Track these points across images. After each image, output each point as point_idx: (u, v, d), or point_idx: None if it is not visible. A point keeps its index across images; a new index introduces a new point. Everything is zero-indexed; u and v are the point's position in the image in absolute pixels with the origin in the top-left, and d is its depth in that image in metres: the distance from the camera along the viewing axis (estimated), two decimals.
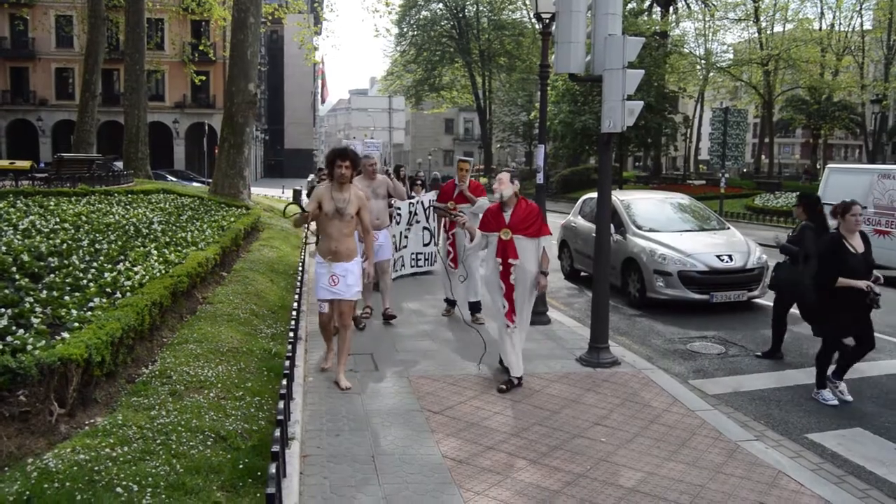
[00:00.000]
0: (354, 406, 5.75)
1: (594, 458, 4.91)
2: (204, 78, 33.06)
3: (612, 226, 8.78)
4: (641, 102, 7.02)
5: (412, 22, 53.00)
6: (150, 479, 3.72)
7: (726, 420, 5.78)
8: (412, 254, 11.16)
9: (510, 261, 6.21)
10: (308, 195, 16.33)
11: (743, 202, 30.71)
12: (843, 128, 50.14)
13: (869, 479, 4.91)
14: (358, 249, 6.37)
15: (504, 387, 6.29)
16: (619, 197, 11.80)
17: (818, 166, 46.57)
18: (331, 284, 6.07)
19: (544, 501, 4.25)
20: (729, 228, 11.77)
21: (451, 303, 9.17)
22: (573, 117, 35.29)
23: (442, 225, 10.28)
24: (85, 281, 6.55)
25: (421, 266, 11.40)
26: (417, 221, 10.79)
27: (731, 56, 49.50)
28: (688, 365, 7.60)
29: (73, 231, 9.08)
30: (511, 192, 6.27)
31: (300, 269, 9.62)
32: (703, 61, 46.97)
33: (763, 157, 52.22)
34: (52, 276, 6.55)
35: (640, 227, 11.03)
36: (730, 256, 10.22)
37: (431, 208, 10.46)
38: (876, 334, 9.04)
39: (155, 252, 8.30)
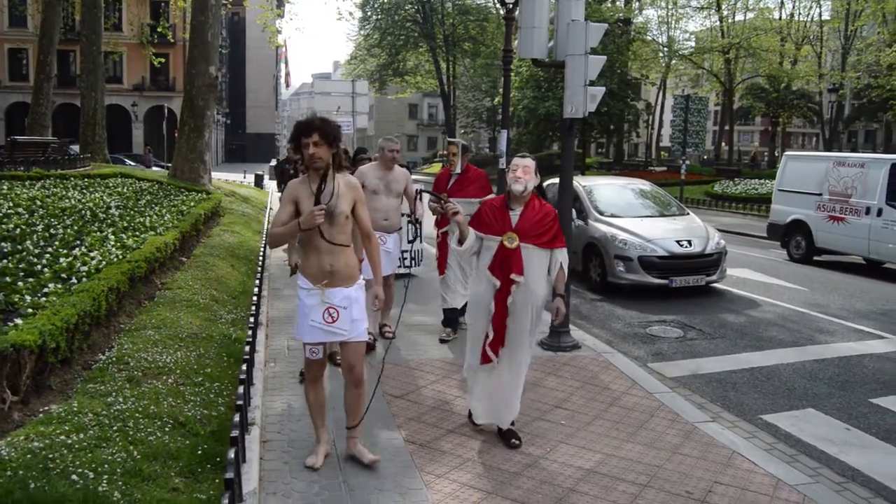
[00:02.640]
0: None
1: (554, 441, 4.96)
2: (163, 60, 32.50)
3: (573, 211, 8.84)
4: (603, 88, 7.06)
5: (376, 5, 52.50)
6: (106, 465, 3.67)
7: (683, 402, 5.88)
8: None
9: (512, 276, 4.68)
10: (278, 182, 15.66)
11: (703, 189, 31.13)
12: (801, 116, 51.07)
13: (820, 458, 5.04)
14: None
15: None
16: (581, 182, 11.88)
17: (776, 154, 47.33)
18: (325, 321, 4.14)
19: (504, 483, 4.29)
20: (689, 214, 11.94)
21: (449, 321, 7.54)
22: (537, 103, 35.35)
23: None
24: (39, 266, 6.43)
25: (408, 266, 9.54)
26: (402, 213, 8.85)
27: (693, 44, 50.01)
28: (647, 348, 7.71)
29: (26, 216, 8.89)
30: (533, 186, 4.81)
31: (261, 253, 9.52)
32: (665, 49, 47.38)
33: (723, 144, 52.97)
34: (4, 261, 6.42)
35: (601, 213, 11.12)
36: (689, 242, 10.37)
37: (419, 195, 7.56)
38: (830, 318, 9.32)
39: (112, 237, 8.16)
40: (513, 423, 5.02)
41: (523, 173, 4.75)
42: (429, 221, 7.28)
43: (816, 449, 5.20)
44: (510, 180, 4.78)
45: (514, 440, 4.87)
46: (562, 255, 4.86)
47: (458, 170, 7.40)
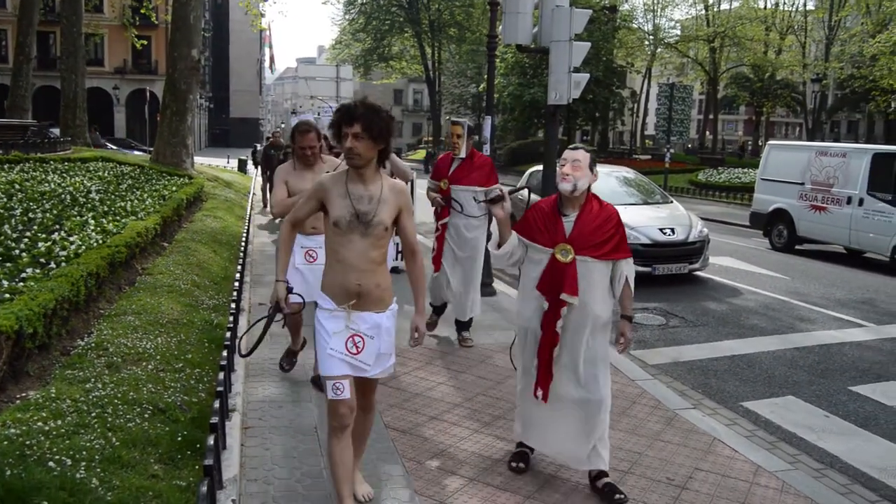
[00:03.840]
0: (298, 378, 5.70)
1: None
2: (145, 43, 31.96)
3: None
4: (587, 75, 7.05)
5: None
6: (84, 452, 3.63)
7: (665, 389, 5.91)
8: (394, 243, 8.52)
9: (563, 296, 3.88)
10: (263, 169, 15.26)
11: (687, 177, 31.27)
12: (784, 106, 51.30)
13: (799, 445, 5.09)
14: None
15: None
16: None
17: (760, 143, 47.60)
18: (349, 351, 3.39)
19: (486, 470, 4.29)
20: (672, 202, 11.98)
21: (437, 310, 7.06)
22: (522, 90, 35.32)
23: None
24: (17, 251, 6.33)
25: (395, 260, 9.26)
26: None
27: (679, 32, 50.05)
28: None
29: (5, 199, 8.76)
30: (587, 184, 3.93)
31: (244, 239, 9.45)
32: (651, 37, 47.42)
33: (707, 133, 53.13)
34: None
35: None
36: (672, 230, 10.41)
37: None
38: (810, 306, 9.39)
39: (92, 222, 8.06)
40: (606, 474, 4.10)
41: (572, 169, 3.88)
42: (427, 211, 6.98)
43: (796, 436, 5.24)
44: (557, 178, 3.96)
45: (617, 496, 3.94)
46: (627, 268, 3.99)
47: (463, 154, 6.57)
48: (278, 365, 5.83)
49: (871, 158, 12.83)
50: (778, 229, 14.72)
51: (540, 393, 4.04)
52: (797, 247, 14.28)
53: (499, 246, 4.11)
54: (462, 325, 6.86)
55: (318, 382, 5.05)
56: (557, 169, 3.97)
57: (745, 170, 29.28)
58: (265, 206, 16.70)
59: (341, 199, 3.35)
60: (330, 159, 5.55)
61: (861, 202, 12.77)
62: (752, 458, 4.65)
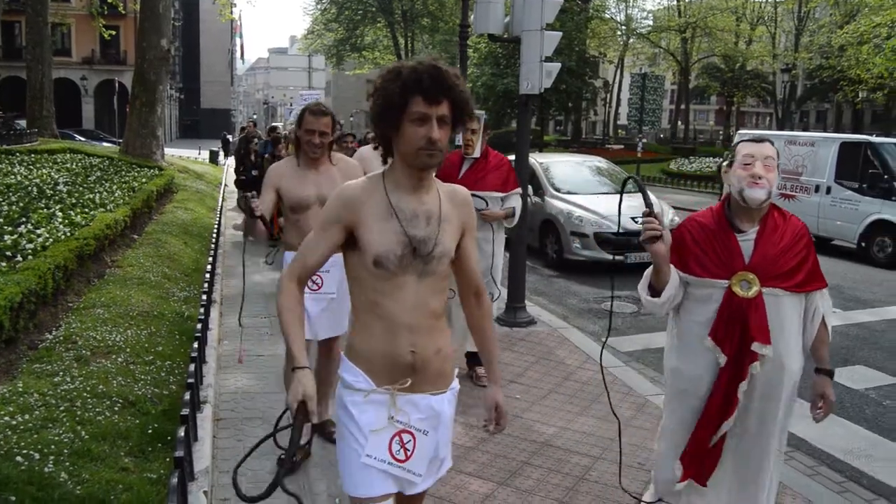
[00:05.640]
0: (269, 369, 5.68)
1: (509, 415, 4.98)
2: (114, 33, 31.54)
3: (529, 187, 8.86)
4: (559, 64, 7.05)
5: None
6: (52, 446, 3.60)
7: (636, 376, 5.97)
8: None
9: (754, 347, 2.82)
10: (237, 165, 14.57)
11: (659, 166, 31.53)
12: (755, 96, 51.89)
13: (790, 440, 5.15)
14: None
15: None
16: (537, 159, 11.92)
17: (731, 132, 48.09)
18: (395, 457, 2.23)
19: (460, 457, 4.31)
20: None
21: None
22: (495, 80, 35.32)
23: None
24: None
25: None
26: None
27: (651, 23, 50.38)
28: (602, 323, 7.80)
29: None
30: (765, 193, 2.86)
31: (215, 230, 9.38)
32: (623, 27, 47.65)
33: (679, 122, 53.59)
34: None
35: (557, 190, 11.18)
36: None
37: None
38: None
39: (60, 214, 7.95)
40: None
41: (765, 169, 2.84)
42: None
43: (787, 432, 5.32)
44: (738, 181, 2.87)
45: None
46: (824, 302, 2.97)
47: (477, 153, 5.53)
48: (277, 460, 4.03)
49: (839, 147, 13.03)
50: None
51: (689, 476, 3.02)
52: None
53: (655, 290, 2.96)
54: (477, 359, 5.52)
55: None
56: (737, 170, 2.89)
57: (717, 159, 29.59)
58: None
59: (383, 223, 2.18)
60: (343, 158, 4.27)
61: (829, 190, 12.97)
62: None
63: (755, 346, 2.82)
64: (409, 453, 2.24)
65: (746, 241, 2.90)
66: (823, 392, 3.01)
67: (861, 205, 12.34)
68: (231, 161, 22.38)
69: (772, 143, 2.95)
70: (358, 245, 2.22)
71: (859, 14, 34.08)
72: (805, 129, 52.14)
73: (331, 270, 3.91)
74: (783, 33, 47.69)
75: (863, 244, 12.40)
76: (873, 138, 13.66)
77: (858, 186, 12.52)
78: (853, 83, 33.83)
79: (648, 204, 2.77)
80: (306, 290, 3.67)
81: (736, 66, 45.74)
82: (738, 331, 2.84)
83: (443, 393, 2.31)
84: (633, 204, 12.13)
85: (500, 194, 5.56)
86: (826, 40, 38.66)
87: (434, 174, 2.29)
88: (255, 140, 13.46)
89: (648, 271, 2.98)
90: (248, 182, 12.48)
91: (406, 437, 2.23)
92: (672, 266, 2.90)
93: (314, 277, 3.76)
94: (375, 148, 2.27)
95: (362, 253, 2.21)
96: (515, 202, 5.69)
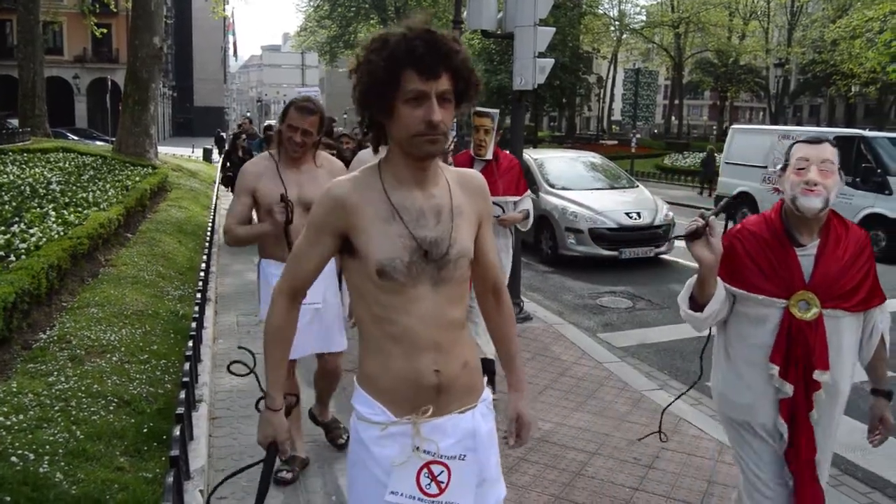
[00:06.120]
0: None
1: (505, 412, 5.00)
2: (105, 31, 31.45)
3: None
4: (552, 60, 7.06)
5: None
6: (47, 446, 3.58)
7: (632, 371, 5.98)
8: None
9: (817, 376, 2.54)
10: (226, 157, 14.43)
11: (653, 162, 31.59)
12: (748, 90, 51.98)
13: None
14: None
15: None
16: (532, 155, 11.92)
17: (724, 127, 48.20)
18: (425, 493, 1.86)
19: None
20: (638, 187, 12.10)
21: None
22: (489, 76, 35.29)
23: None
24: None
25: None
26: None
27: (644, 18, 50.40)
28: (597, 319, 7.81)
29: None
30: (821, 202, 2.48)
31: (209, 229, 9.36)
32: (616, 22, 47.66)
33: (673, 118, 53.65)
34: None
35: (552, 186, 11.19)
36: (638, 214, 10.51)
37: None
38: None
39: (53, 213, 7.91)
40: None
41: (821, 175, 2.50)
42: None
43: None
44: (791, 188, 2.55)
45: None
46: (883, 318, 2.68)
47: (489, 155, 5.17)
48: (273, 477, 3.40)
49: (791, 146, 13.04)
50: (742, 212, 14.92)
51: None
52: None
53: (697, 304, 2.61)
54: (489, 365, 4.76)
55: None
56: (790, 175, 2.57)
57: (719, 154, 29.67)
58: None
59: (384, 226, 1.85)
60: (328, 158, 3.91)
61: None
62: (718, 437, 4.72)
63: (818, 374, 2.53)
64: (443, 486, 1.88)
65: (806, 255, 2.56)
66: (882, 415, 2.75)
67: (854, 199, 12.37)
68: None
69: (832, 144, 2.58)
70: (358, 254, 1.87)
71: (851, 8, 34.17)
72: (798, 124, 52.29)
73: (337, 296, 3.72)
74: (776, 28, 47.79)
75: None
76: (866, 132, 13.70)
77: (852, 181, 12.54)
78: (846, 77, 33.96)
79: (722, 209, 2.54)
80: None
81: (729, 61, 45.82)
82: (800, 357, 2.54)
83: (474, 407, 1.99)
84: (627, 199, 12.19)
85: (516, 198, 5.25)
86: (819, 35, 38.77)
87: (438, 160, 1.95)
88: (243, 136, 13.31)
89: (691, 282, 2.66)
90: (235, 181, 12.32)
91: (437, 468, 1.87)
92: (718, 279, 2.57)
93: None
94: (376, 150, 1.99)
95: (364, 262, 1.85)
96: (528, 204, 5.44)
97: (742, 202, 14.82)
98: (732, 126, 17.79)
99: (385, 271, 1.82)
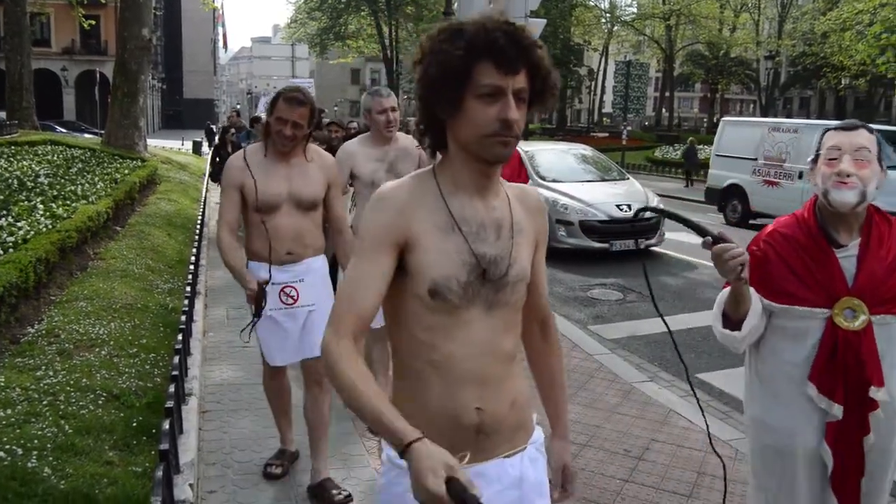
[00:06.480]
0: (257, 361, 5.65)
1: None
2: (94, 22, 31.12)
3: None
4: None
5: None
6: (36, 441, 3.56)
7: (622, 363, 6.00)
8: None
9: (871, 392, 2.23)
10: (215, 151, 14.14)
11: (644, 154, 31.61)
12: (738, 83, 52.18)
13: None
14: None
15: None
16: (522, 147, 11.90)
17: (715, 120, 48.33)
18: None
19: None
20: (629, 179, 12.11)
21: None
22: None
23: None
24: None
25: None
26: None
27: (635, 10, 50.41)
28: (588, 311, 7.83)
29: None
30: (875, 188, 2.26)
31: (199, 221, 9.32)
32: (607, 15, 47.66)
33: (664, 110, 53.73)
34: None
35: (543, 178, 11.18)
36: (629, 206, 10.52)
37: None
38: None
39: (41, 206, 7.86)
40: None
41: (855, 165, 2.24)
42: None
43: None
44: (822, 180, 2.30)
45: None
46: None
47: None
48: (263, 472, 3.87)
49: (822, 134, 13.11)
50: (732, 204, 14.98)
51: None
52: (751, 221, 14.55)
53: (731, 321, 2.34)
54: None
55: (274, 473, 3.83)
56: (821, 167, 2.32)
57: (701, 146, 29.72)
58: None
59: (442, 238, 1.63)
60: (318, 151, 3.68)
61: None
62: (706, 429, 4.74)
63: (872, 392, 2.20)
64: None
65: (847, 257, 2.27)
66: None
67: None
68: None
69: (869, 131, 2.29)
70: (407, 269, 1.62)
71: (842, 1, 34.24)
72: (788, 116, 52.47)
73: (305, 279, 3.52)
74: (767, 20, 47.88)
75: None
76: None
77: None
78: (836, 70, 34.04)
79: (706, 233, 2.11)
80: (280, 305, 3.49)
81: (720, 54, 45.93)
82: (848, 373, 2.22)
83: (523, 450, 1.78)
84: (617, 191, 12.22)
85: None
86: (809, 27, 38.86)
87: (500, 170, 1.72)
88: (232, 131, 13.20)
89: (721, 298, 2.36)
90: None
91: None
92: (756, 289, 2.28)
93: (287, 289, 3.50)
94: (433, 155, 1.77)
95: (413, 279, 1.62)
96: None
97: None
98: (723, 118, 17.84)
99: (439, 291, 1.59)
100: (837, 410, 2.23)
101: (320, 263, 3.65)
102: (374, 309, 1.59)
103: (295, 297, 3.53)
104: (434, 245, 1.61)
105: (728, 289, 2.28)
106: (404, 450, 1.40)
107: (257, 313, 3.39)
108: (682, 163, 27.66)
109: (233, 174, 3.44)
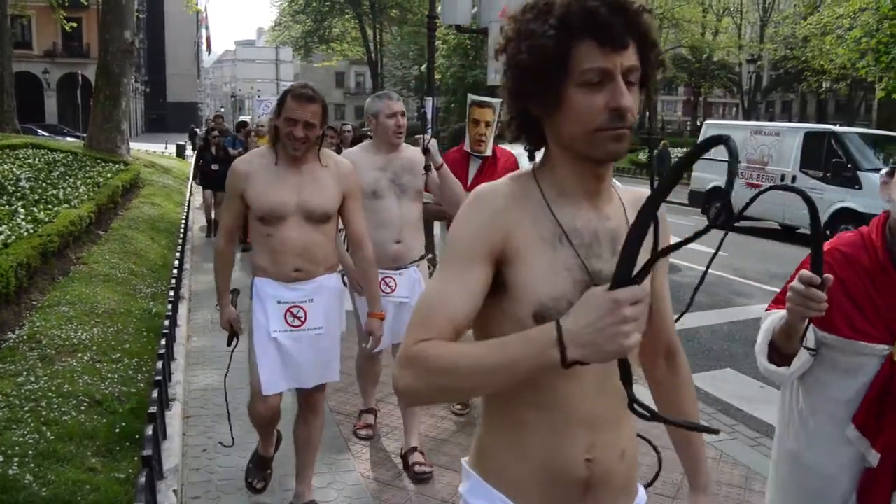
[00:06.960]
0: (242, 365, 5.62)
1: (480, 407, 5.00)
2: (76, 25, 30.83)
3: None
4: None
5: None
6: (17, 448, 3.53)
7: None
8: None
9: None
10: (199, 154, 13.98)
11: (628, 157, 31.76)
12: (721, 86, 52.47)
13: (736, 415, 5.24)
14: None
15: None
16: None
17: (698, 123, 48.65)
18: None
19: (432, 450, 4.31)
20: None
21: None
22: (464, 71, 35.35)
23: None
24: None
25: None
26: None
27: None
28: None
29: None
30: None
31: (182, 226, 9.27)
32: None
33: (647, 113, 54.01)
34: None
35: None
36: None
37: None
38: (747, 281, 9.65)
39: (22, 210, 7.79)
40: None
41: None
42: None
43: (733, 406, 5.40)
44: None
45: None
46: None
47: (489, 151, 4.59)
48: (245, 483, 3.71)
49: (804, 137, 13.24)
50: (716, 207, 15.07)
51: None
52: (734, 224, 14.65)
53: (779, 354, 2.03)
54: None
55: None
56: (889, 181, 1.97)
57: (684, 149, 29.92)
58: (209, 231, 11.68)
59: (548, 252, 1.35)
60: (333, 157, 3.32)
61: (794, 179, 13.17)
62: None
63: None
64: None
65: None
66: None
67: (826, 193, 12.53)
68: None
69: None
70: (506, 288, 1.33)
71: (822, 5, 34.58)
72: (771, 120, 52.88)
73: (315, 298, 3.20)
74: (749, 24, 48.27)
75: (828, 232, 12.60)
76: (837, 128, 13.92)
77: (823, 175, 12.73)
78: (817, 74, 34.38)
79: (820, 272, 1.80)
80: (286, 326, 3.15)
81: (703, 57, 46.24)
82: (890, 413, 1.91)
83: None
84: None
85: None
86: (790, 31, 39.17)
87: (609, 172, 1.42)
88: (215, 133, 12.99)
89: (768, 326, 2.05)
90: (209, 177, 11.77)
91: None
92: (816, 324, 1.97)
93: (294, 310, 3.17)
94: (532, 157, 1.49)
95: (513, 300, 1.33)
96: None
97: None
98: (706, 121, 17.95)
99: (546, 315, 1.28)
100: (874, 458, 1.93)
101: (333, 282, 3.33)
102: (467, 319, 1.29)
103: (303, 319, 3.21)
104: (539, 260, 1.32)
105: (777, 315, 2.00)
106: (560, 338, 1.11)
107: (228, 343, 3.41)
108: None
109: (235, 180, 3.14)
